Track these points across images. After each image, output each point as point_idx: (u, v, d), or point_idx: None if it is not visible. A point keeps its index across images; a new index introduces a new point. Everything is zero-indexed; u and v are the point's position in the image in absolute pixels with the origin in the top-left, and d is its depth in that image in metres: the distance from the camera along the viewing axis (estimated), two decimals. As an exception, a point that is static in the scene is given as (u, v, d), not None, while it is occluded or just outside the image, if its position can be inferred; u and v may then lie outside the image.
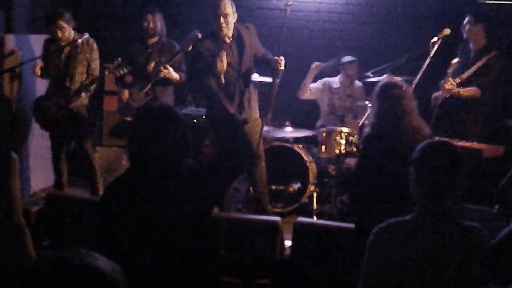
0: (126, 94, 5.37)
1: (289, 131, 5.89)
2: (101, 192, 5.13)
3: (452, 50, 5.30)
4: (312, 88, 6.12)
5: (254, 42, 4.93)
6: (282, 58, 4.81)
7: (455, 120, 5.07)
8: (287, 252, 3.82)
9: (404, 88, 3.59)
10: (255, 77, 5.19)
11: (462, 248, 2.20)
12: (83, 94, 5.18)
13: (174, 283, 2.40)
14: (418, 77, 4.85)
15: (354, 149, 5.52)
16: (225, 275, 3.65)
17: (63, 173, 5.43)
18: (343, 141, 5.51)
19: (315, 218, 5.40)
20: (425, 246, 2.22)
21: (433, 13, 6.58)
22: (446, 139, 3.48)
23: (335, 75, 6.22)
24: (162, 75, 5.18)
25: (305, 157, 5.63)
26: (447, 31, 4.89)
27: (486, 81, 4.96)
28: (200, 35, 4.81)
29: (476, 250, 2.19)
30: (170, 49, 5.34)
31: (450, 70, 5.03)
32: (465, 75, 4.98)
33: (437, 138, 4.03)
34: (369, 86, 6.06)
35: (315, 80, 6.12)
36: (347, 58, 6.14)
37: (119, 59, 5.18)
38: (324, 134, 5.60)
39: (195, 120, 6.12)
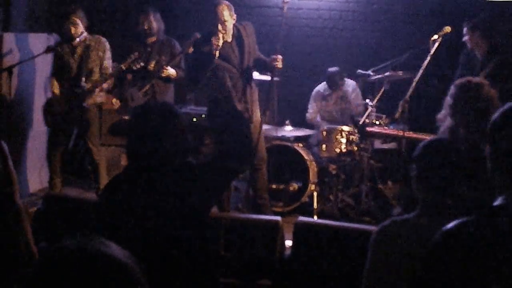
0: (116, 103, 5.44)
1: (289, 130, 5.87)
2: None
3: (452, 48, 5.28)
4: (313, 108, 6.25)
5: (251, 41, 4.93)
6: (279, 56, 4.79)
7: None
8: (288, 252, 3.80)
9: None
10: (254, 75, 5.18)
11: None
12: (96, 90, 5.24)
13: (174, 284, 2.38)
14: (419, 75, 4.83)
15: (355, 148, 5.50)
16: (225, 275, 3.62)
17: (57, 172, 5.45)
18: (344, 140, 5.49)
19: (315, 217, 5.37)
20: (427, 244, 2.20)
21: (433, 11, 6.56)
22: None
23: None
24: (162, 75, 5.22)
25: (306, 156, 5.60)
26: (447, 28, 4.86)
27: (500, 83, 4.89)
28: (198, 36, 4.85)
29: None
30: (170, 47, 5.36)
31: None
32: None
33: None
34: (369, 85, 6.04)
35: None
36: (330, 69, 6.15)
37: (136, 53, 5.22)
38: (325, 133, 5.58)
39: (195, 119, 6.09)
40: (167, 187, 2.39)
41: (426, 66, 4.83)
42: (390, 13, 6.77)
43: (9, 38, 5.57)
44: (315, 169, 5.63)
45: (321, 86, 6.27)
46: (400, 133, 5.04)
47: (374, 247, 2.26)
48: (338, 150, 5.49)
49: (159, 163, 2.40)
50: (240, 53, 4.86)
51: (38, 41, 5.44)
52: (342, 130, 5.52)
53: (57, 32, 5.78)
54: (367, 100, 5.66)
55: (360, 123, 5.37)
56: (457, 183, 2.24)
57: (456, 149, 2.30)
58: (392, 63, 5.72)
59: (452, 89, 3.55)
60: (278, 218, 3.85)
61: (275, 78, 4.93)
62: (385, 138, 5.63)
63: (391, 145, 5.72)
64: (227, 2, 4.83)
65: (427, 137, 3.88)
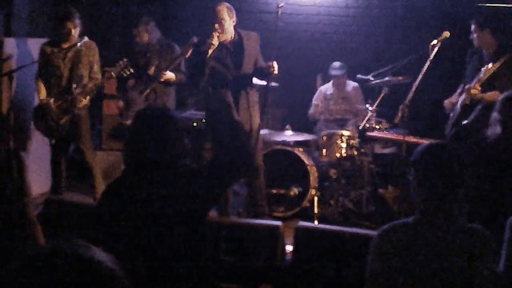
0: (121, 104, 5.41)
1: (289, 135, 5.87)
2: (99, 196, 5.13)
3: (452, 53, 5.29)
4: (315, 106, 6.34)
5: (254, 51, 4.90)
6: (275, 63, 4.78)
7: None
8: (288, 256, 3.79)
9: None
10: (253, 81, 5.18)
11: (464, 250, 2.19)
12: (87, 98, 5.20)
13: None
14: (419, 80, 4.84)
15: (356, 153, 5.50)
16: (225, 280, 3.62)
17: (61, 178, 5.43)
18: (344, 145, 5.49)
19: (316, 222, 5.37)
20: (427, 248, 2.20)
21: (433, 17, 6.58)
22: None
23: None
24: (162, 79, 5.22)
25: (306, 161, 5.60)
26: (446, 34, 4.87)
27: (508, 82, 4.85)
28: (196, 40, 4.86)
29: (479, 251, 2.18)
30: (169, 51, 5.36)
31: (481, 76, 4.90)
32: (483, 78, 4.86)
33: None
34: (369, 89, 6.05)
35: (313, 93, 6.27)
36: (333, 72, 6.23)
37: (125, 59, 5.19)
38: (325, 137, 5.59)
39: (195, 124, 6.09)
40: (165, 191, 2.39)
41: (426, 71, 4.84)
42: (389, 19, 6.79)
43: (10, 43, 5.59)
44: (316, 173, 5.63)
45: (325, 86, 6.40)
46: (400, 137, 5.05)
47: (375, 250, 2.27)
48: (338, 155, 5.49)
49: (157, 167, 2.40)
50: (237, 59, 4.84)
51: (39, 46, 5.44)
52: (342, 135, 5.52)
53: (53, 32, 5.71)
54: (367, 105, 5.67)
55: (360, 127, 5.37)
56: (455, 187, 2.24)
57: (454, 153, 2.30)
58: (392, 68, 5.73)
59: (498, 105, 3.53)
60: (279, 223, 3.85)
61: (273, 84, 4.93)
62: (385, 142, 5.64)
63: (392, 150, 5.72)
64: (228, 4, 4.83)
65: (427, 142, 3.88)
